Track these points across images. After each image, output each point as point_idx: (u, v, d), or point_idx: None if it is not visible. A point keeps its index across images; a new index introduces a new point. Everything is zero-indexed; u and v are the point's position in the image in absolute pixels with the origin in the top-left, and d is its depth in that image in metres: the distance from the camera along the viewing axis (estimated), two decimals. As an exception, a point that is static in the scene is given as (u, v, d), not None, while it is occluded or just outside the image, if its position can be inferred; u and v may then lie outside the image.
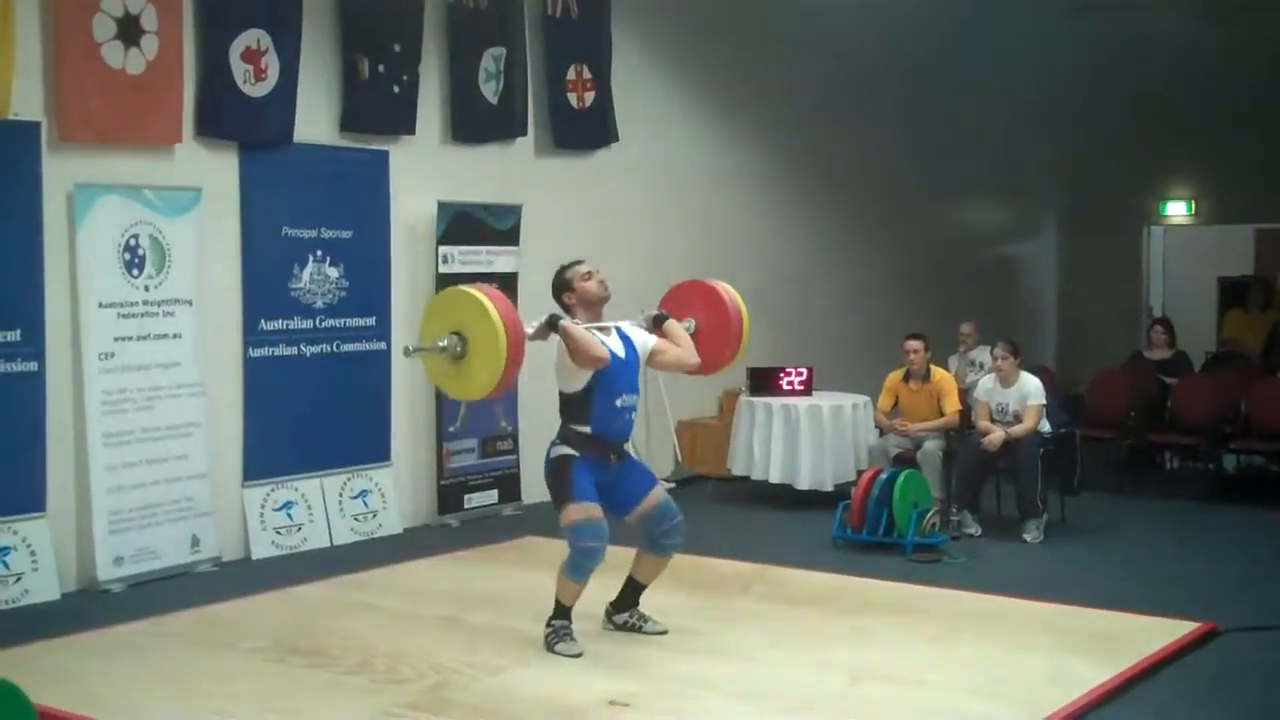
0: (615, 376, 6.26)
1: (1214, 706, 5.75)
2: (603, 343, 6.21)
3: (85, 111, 7.58)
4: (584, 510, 6.19)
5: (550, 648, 6.28)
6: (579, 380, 6.23)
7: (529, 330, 6.01)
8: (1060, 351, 16.80)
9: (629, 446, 6.56)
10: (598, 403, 6.23)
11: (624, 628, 6.60)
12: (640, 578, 6.60)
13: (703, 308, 6.81)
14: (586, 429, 6.27)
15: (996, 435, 8.96)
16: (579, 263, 6.48)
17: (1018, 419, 9.05)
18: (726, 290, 6.82)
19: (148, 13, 7.78)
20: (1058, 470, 9.19)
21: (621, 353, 6.33)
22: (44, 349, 7.45)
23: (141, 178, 7.92)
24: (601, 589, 6.54)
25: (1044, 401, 9.10)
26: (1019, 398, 9.10)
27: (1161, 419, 11.18)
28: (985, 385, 9.39)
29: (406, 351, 6.08)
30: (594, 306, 6.38)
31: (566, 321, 6.17)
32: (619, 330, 6.42)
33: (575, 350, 6.11)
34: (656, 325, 6.59)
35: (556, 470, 6.31)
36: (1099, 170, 16.40)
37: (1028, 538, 8.90)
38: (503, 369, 5.75)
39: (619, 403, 6.29)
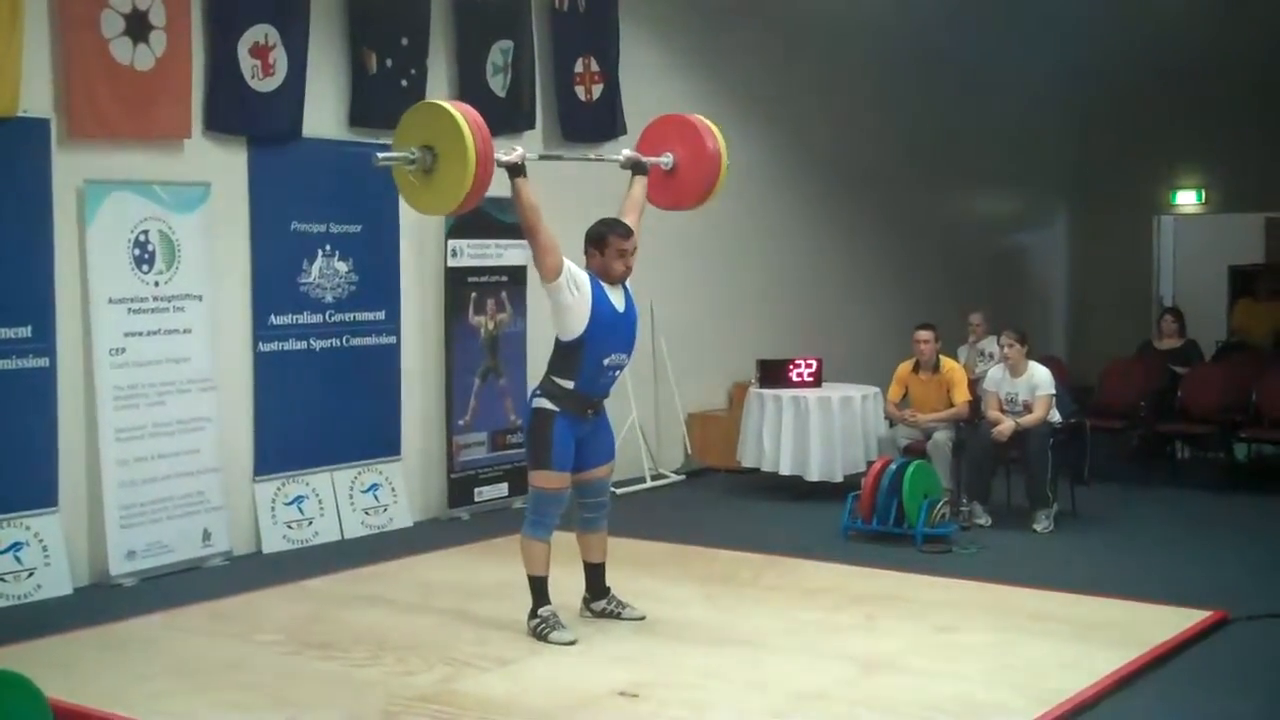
0: (610, 330, 6.30)
1: (1225, 694, 5.74)
2: (605, 294, 6.28)
3: (94, 108, 7.60)
4: (558, 480, 6.35)
5: (544, 638, 6.30)
6: (575, 327, 6.24)
7: (500, 156, 6.10)
8: (1070, 341, 16.79)
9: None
10: (587, 359, 6.26)
11: (603, 615, 6.66)
12: (591, 558, 6.69)
13: (679, 142, 6.89)
14: (570, 384, 6.31)
15: (1006, 425, 8.96)
16: (629, 236, 6.42)
17: (1028, 409, 9.05)
18: (702, 121, 6.90)
19: (156, 9, 7.79)
20: (1068, 460, 9.19)
21: (621, 307, 6.37)
22: (55, 345, 7.47)
23: (151, 173, 7.94)
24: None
25: (1054, 391, 9.10)
26: (1029, 388, 9.09)
27: (1172, 408, 11.17)
28: (995, 375, 9.38)
29: (375, 161, 6.02)
30: (607, 278, 6.38)
31: (524, 182, 6.22)
32: (625, 288, 6.45)
33: (519, 212, 6.23)
34: (635, 170, 6.77)
35: (538, 426, 6.37)
36: (1109, 159, 16.38)
37: (1038, 528, 8.89)
38: (470, 182, 5.81)
39: (606, 362, 6.31)
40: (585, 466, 6.49)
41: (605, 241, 6.38)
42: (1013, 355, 9.16)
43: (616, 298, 6.36)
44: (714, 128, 6.92)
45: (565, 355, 6.33)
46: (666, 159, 6.89)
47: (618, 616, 6.65)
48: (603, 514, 6.64)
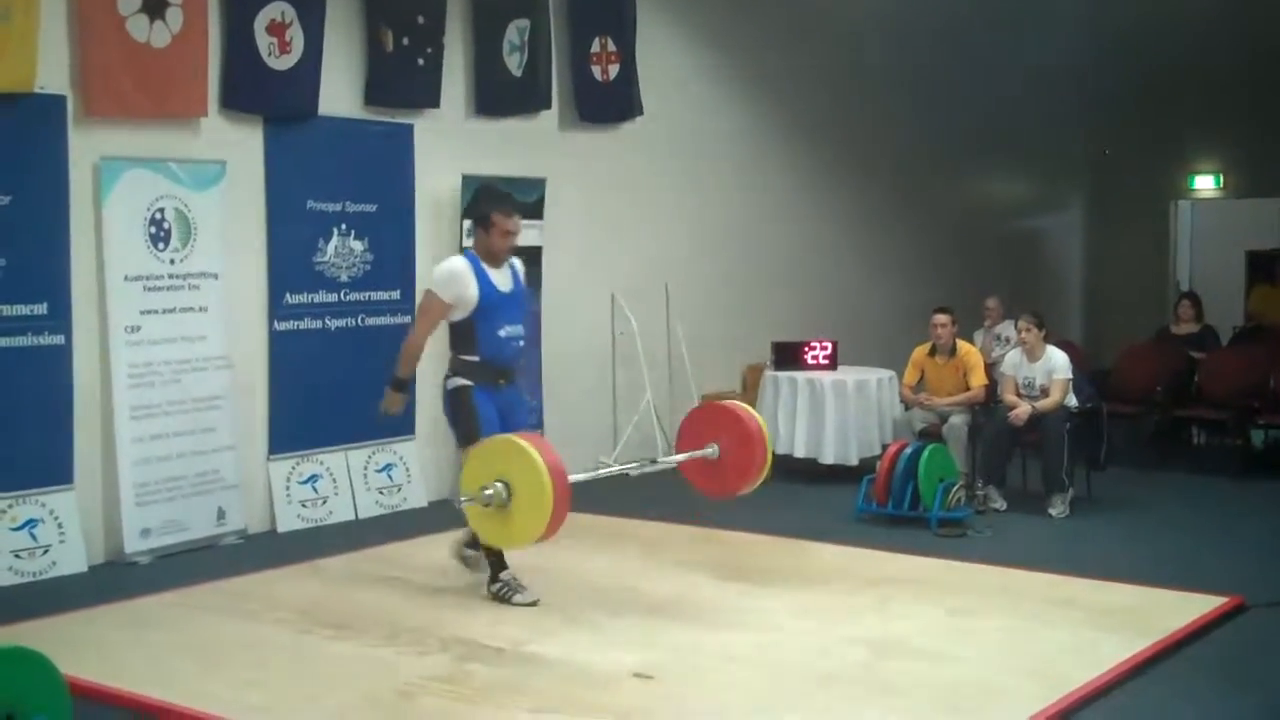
0: (498, 309, 6.52)
1: (1240, 681, 5.72)
2: (489, 279, 6.49)
3: (110, 85, 7.59)
4: None
5: (507, 600, 6.55)
6: (463, 313, 6.50)
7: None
8: (1086, 326, 16.73)
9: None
10: (481, 331, 6.50)
11: (464, 560, 6.87)
12: None
13: (724, 432, 6.92)
14: (475, 357, 6.52)
15: (1023, 409, 8.93)
16: (514, 215, 6.62)
17: (1044, 393, 9.02)
18: (746, 411, 6.94)
19: (172, -14, 7.80)
20: (1084, 445, 9.14)
21: (508, 288, 6.59)
22: (70, 322, 7.48)
23: (167, 151, 7.94)
24: (613, 562, 6.54)
25: (1070, 376, 9.06)
26: (1045, 372, 9.06)
27: (1189, 394, 11.12)
28: (1012, 359, 9.35)
29: (456, 503, 5.91)
30: (490, 257, 6.56)
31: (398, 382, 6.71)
32: (511, 266, 6.66)
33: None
34: None
35: (456, 404, 6.58)
36: (1126, 143, 16.29)
37: (1053, 512, 8.87)
38: (549, 515, 5.72)
39: (502, 333, 6.55)
40: None
41: (490, 220, 6.54)
42: (1029, 339, 9.13)
43: (500, 278, 6.56)
44: (757, 416, 6.95)
45: (462, 334, 6.56)
46: (712, 449, 6.89)
47: (473, 568, 6.80)
48: None
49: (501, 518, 5.82)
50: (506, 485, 5.77)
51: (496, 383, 6.57)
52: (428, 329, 6.61)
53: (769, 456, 6.92)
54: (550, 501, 5.69)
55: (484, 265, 6.53)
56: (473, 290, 6.45)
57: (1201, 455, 11.29)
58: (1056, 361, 9.08)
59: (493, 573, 6.65)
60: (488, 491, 5.77)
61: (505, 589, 6.59)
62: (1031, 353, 9.14)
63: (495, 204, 6.62)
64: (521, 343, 6.70)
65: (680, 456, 6.96)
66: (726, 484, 7.00)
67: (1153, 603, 6.68)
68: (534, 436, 6.00)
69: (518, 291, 6.67)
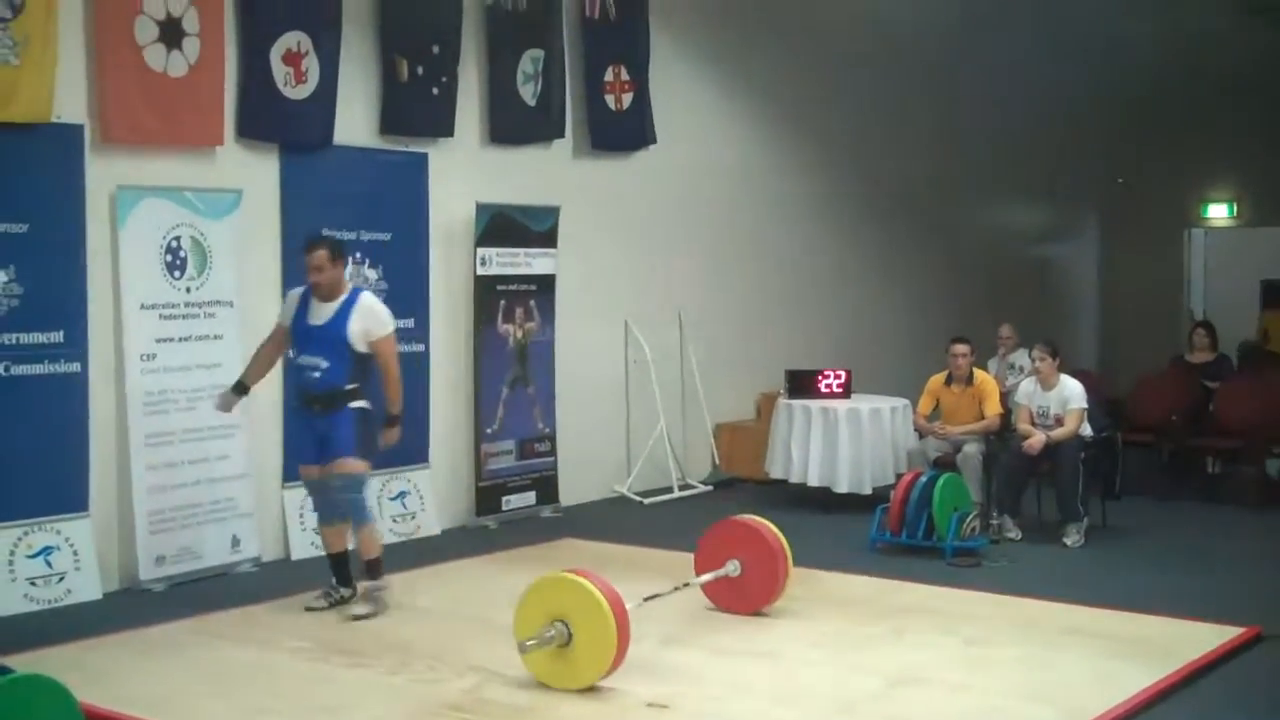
0: (298, 338, 7.11)
1: (1258, 711, 5.69)
2: (305, 311, 7.04)
3: (128, 114, 7.63)
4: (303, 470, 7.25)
5: (315, 603, 7.10)
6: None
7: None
8: (1101, 355, 16.70)
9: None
10: (289, 359, 7.29)
11: (333, 605, 7.15)
12: (327, 549, 7.32)
13: (744, 548, 6.93)
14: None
15: (1037, 439, 8.90)
16: (313, 251, 7.01)
17: (1059, 422, 8.99)
18: (768, 528, 6.94)
19: (189, 15, 7.83)
20: (1099, 474, 9.12)
21: (320, 322, 7.01)
22: (86, 350, 7.51)
23: (183, 180, 7.97)
24: (626, 591, 6.53)
25: (1085, 405, 9.03)
26: (1060, 401, 9.04)
27: (1204, 423, 11.09)
28: (1026, 388, 9.32)
29: (522, 648, 5.77)
30: (315, 291, 7.02)
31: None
32: (347, 304, 7.00)
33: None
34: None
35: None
36: (1140, 172, 16.30)
37: (1068, 542, 8.83)
38: (614, 648, 5.66)
39: (299, 360, 7.09)
40: (314, 463, 7.13)
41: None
42: (1044, 368, 9.10)
43: (318, 312, 7.01)
44: (778, 532, 6.95)
45: None
46: (733, 566, 6.90)
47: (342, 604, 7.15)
48: (319, 509, 7.23)
49: (565, 657, 5.73)
50: (566, 625, 5.70)
51: (309, 407, 7.04)
52: (270, 344, 7.32)
53: (790, 569, 6.92)
54: (615, 635, 5.63)
55: (312, 298, 7.02)
56: (290, 316, 7.10)
57: (1217, 484, 11.24)
58: (1071, 390, 9.05)
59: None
60: (549, 633, 5.70)
61: (328, 592, 7.14)
62: (1046, 381, 9.12)
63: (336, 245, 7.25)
64: (317, 374, 6.98)
65: (705, 577, 6.92)
66: (750, 600, 6.96)
67: (1169, 632, 6.65)
68: (586, 571, 5.89)
69: (330, 328, 6.96)
